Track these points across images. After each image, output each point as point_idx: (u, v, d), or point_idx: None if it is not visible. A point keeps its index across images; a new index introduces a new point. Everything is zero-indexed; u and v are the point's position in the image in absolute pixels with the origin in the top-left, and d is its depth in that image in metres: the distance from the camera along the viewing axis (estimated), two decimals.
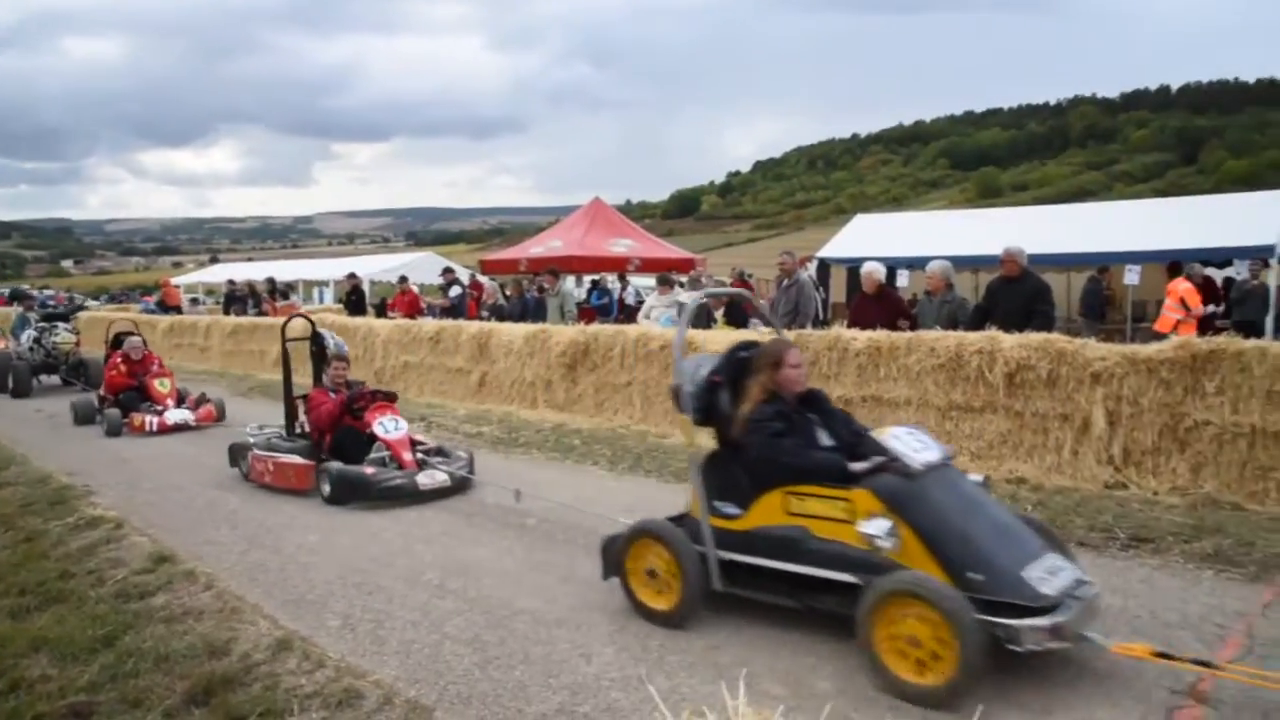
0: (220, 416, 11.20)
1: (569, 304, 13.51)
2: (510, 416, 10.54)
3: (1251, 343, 6.22)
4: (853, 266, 15.09)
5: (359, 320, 15.13)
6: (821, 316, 12.64)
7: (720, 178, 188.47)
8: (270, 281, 23.69)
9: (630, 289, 16.13)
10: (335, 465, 7.06)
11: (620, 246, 17.43)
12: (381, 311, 18.74)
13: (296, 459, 7.46)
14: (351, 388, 7.95)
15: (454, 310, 16.34)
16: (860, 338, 7.83)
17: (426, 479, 7.03)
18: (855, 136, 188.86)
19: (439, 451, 7.69)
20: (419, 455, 7.40)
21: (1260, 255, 12.51)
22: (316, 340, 8.55)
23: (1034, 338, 6.94)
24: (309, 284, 29.11)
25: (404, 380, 12.81)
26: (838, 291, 17.03)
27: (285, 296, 23.39)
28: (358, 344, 13.89)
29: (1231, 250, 13.02)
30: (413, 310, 16.22)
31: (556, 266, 14.55)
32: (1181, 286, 10.89)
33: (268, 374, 15.32)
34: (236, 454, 8.16)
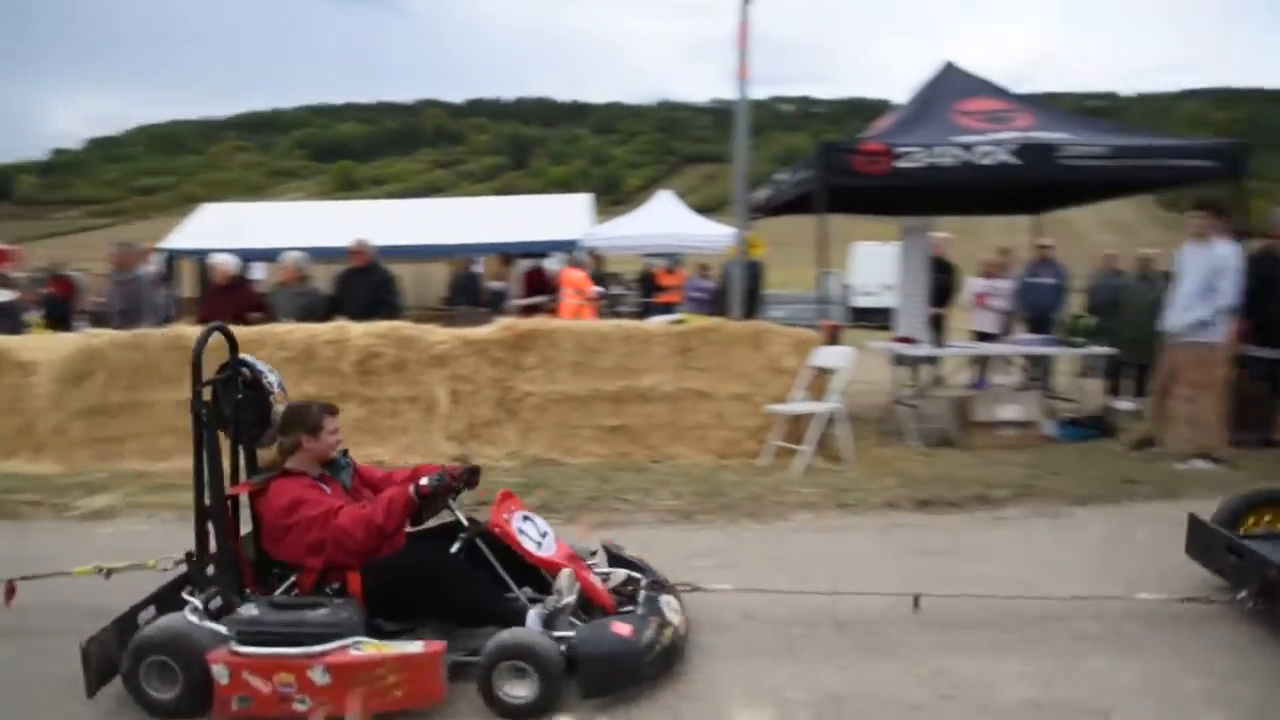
0: None
1: None
2: None
3: (559, 323, 7.37)
4: (203, 258, 14.23)
5: None
6: (169, 313, 11.67)
7: (43, 155, 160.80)
8: None
9: None
10: (534, 636, 3.32)
11: None
12: None
13: (393, 645, 3.28)
14: (341, 469, 3.91)
15: None
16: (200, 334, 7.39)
17: (677, 617, 3.73)
18: (208, 120, 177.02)
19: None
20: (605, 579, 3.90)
21: (567, 249, 14.89)
22: (236, 374, 3.96)
23: (380, 326, 7.29)
24: None
25: None
26: (188, 286, 15.91)
27: None
28: None
29: (549, 244, 15.18)
30: None
31: None
32: (575, 275, 12.10)
33: None
34: (137, 658, 3.19)
